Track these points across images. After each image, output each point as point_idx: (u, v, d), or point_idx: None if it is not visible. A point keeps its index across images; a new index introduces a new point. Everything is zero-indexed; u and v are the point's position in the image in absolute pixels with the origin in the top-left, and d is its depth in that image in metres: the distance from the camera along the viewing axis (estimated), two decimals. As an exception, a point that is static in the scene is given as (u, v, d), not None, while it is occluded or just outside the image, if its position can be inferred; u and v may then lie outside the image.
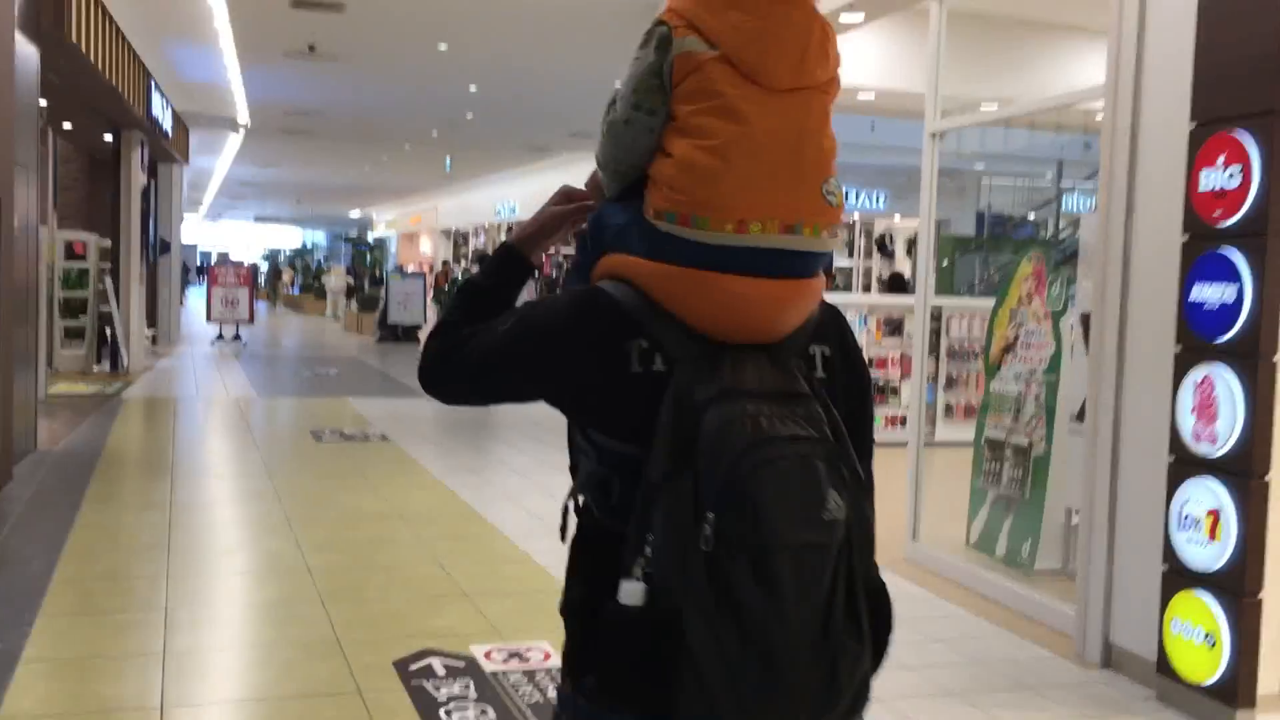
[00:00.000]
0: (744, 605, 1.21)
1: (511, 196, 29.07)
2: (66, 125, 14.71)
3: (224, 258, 39.47)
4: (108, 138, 14.81)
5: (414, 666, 4.09)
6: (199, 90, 16.22)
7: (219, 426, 10.26)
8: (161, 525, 6.11)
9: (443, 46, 12.00)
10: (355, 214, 46.81)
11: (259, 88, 15.32)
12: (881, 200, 22.93)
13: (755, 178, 1.30)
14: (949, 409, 10.18)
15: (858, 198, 21.61)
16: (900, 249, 24.61)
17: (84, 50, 9.11)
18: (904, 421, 10.07)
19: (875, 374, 10.04)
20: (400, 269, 29.69)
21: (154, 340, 18.45)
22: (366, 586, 5.14)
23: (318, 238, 58.30)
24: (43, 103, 12.45)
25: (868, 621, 1.31)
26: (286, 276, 41.82)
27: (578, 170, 24.19)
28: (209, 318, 20.37)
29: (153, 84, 13.66)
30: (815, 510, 1.23)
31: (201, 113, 18.16)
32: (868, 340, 9.97)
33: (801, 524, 1.22)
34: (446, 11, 10.80)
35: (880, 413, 10.07)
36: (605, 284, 1.38)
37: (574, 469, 1.45)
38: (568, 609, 1.41)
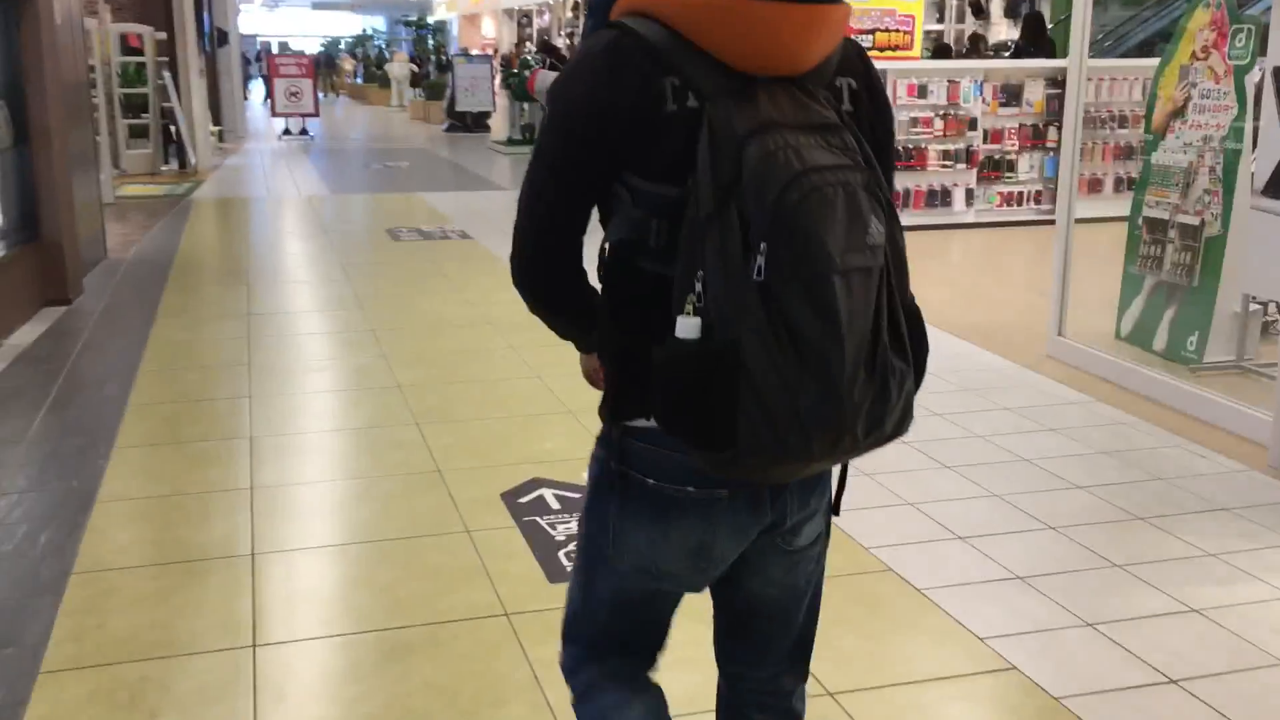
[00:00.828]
0: (800, 330, 1.24)
1: (577, -31, 27.48)
2: (106, -92, 13.80)
3: (284, 47, 38.46)
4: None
5: (523, 499, 3.68)
6: None
7: (293, 227, 9.82)
8: (240, 339, 5.72)
9: None
10: (414, -4, 45.11)
11: None
12: (978, -45, 21.14)
13: None
14: (1071, 183, 9.32)
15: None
16: (997, 8, 22.87)
17: None
18: (1021, 199, 9.31)
19: (991, 147, 9.18)
20: (465, 52, 28.53)
21: (220, 137, 17.94)
22: (462, 405, 4.71)
23: (377, 23, 56.62)
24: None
25: (908, 341, 1.36)
26: (349, 65, 40.81)
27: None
28: (273, 112, 19.74)
29: None
30: (860, 235, 1.26)
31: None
32: (983, 110, 9.06)
33: (850, 248, 1.25)
34: None
35: (995, 189, 9.28)
36: (629, 20, 1.35)
37: (605, 221, 1.43)
38: (610, 357, 1.46)
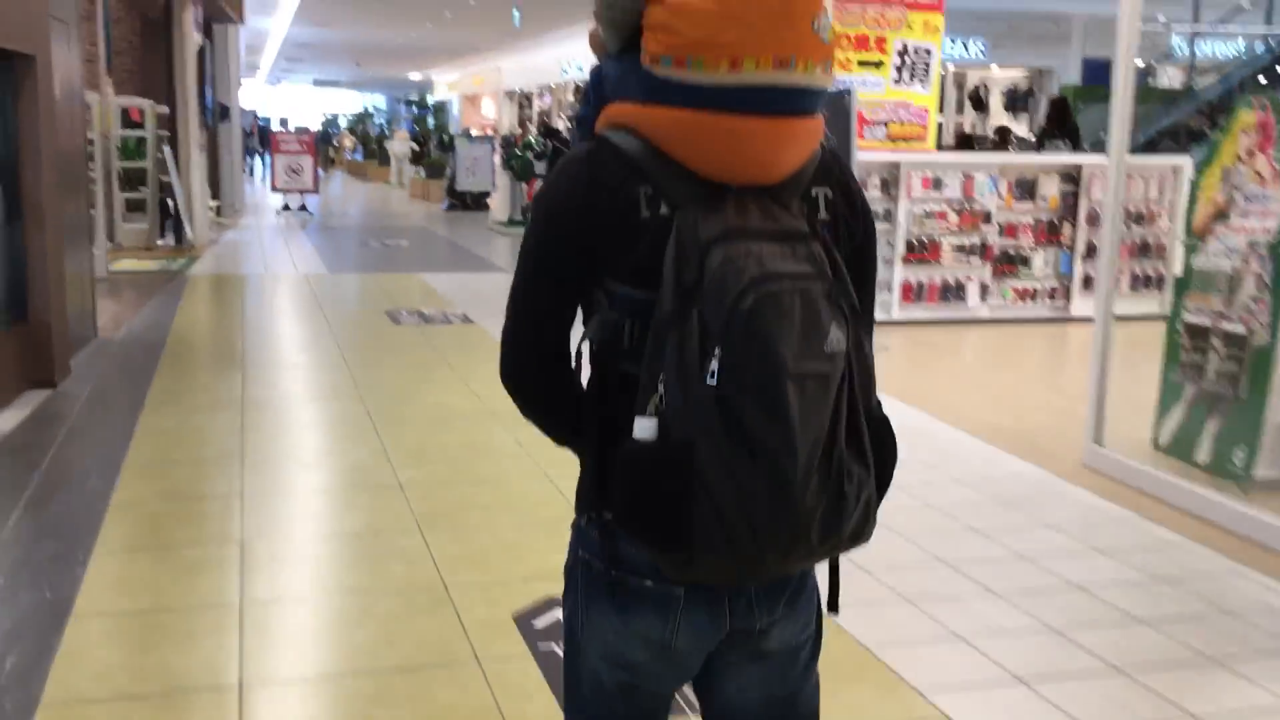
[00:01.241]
0: (753, 434, 1.26)
1: (578, 56, 27.70)
2: (114, -18, 13.78)
3: (283, 123, 38.64)
4: (158, -4, 13.89)
5: (539, 623, 3.36)
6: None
7: (290, 307, 9.58)
8: (233, 429, 5.43)
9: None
10: (415, 76, 45.53)
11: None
12: (979, 49, 21.36)
13: (747, 15, 1.30)
14: (1088, 280, 9.15)
15: (951, 46, 20.07)
16: (996, 102, 23.01)
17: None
18: (1035, 295, 9.12)
19: (1006, 242, 9.02)
20: (467, 133, 28.63)
21: (218, 211, 17.81)
22: (469, 509, 4.41)
23: (377, 101, 57.14)
24: (86, -44, 11.57)
25: (871, 449, 1.37)
26: (348, 142, 41.03)
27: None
28: (273, 187, 19.64)
29: (202, -66, 12.65)
30: (818, 342, 1.28)
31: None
32: (998, 205, 8.92)
33: (805, 354, 1.27)
34: None
35: (1009, 284, 9.08)
36: (609, 133, 1.41)
37: (587, 320, 1.47)
38: (584, 450, 1.48)
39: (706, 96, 1.32)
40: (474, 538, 4.09)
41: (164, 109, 13.89)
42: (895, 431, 1.44)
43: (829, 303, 1.31)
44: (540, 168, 15.29)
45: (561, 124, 27.31)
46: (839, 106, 7.60)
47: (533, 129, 27.11)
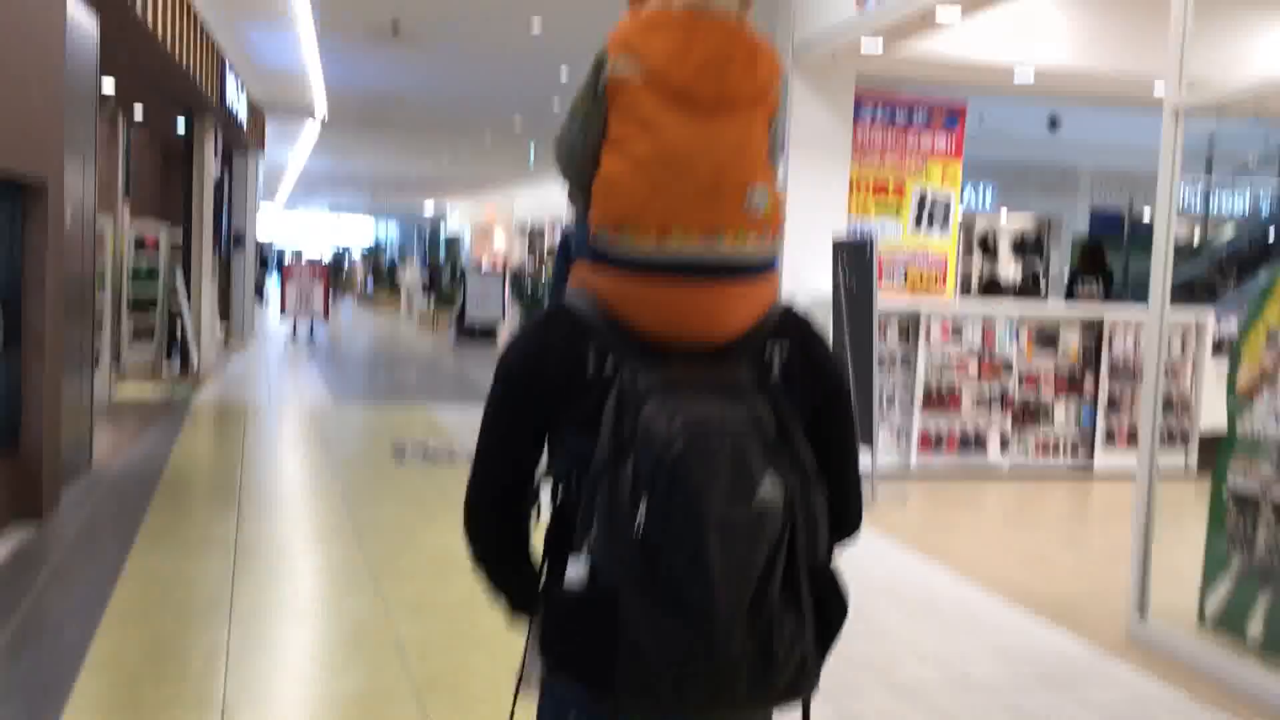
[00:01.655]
0: (675, 582, 1.29)
1: (591, 190, 28.05)
2: (138, 110, 13.96)
3: (297, 256, 39.04)
4: (180, 125, 14.05)
5: (547, 815, 3.03)
6: (275, 77, 15.42)
7: (292, 440, 9.35)
8: (224, 575, 5.14)
9: (536, 27, 10.99)
10: (429, 206, 46.24)
11: (338, 73, 14.46)
12: (988, 196, 21.57)
13: (672, 190, 1.39)
14: (1110, 434, 8.92)
15: (961, 193, 20.31)
16: (1005, 248, 23.08)
17: (150, 25, 8.23)
18: (1056, 448, 8.87)
19: (1025, 393, 8.81)
20: (479, 267, 28.83)
21: (227, 337, 17.74)
22: (472, 673, 4.10)
23: (391, 229, 57.97)
24: (110, 84, 11.72)
25: (810, 603, 1.37)
26: (360, 272, 41.40)
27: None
28: (282, 308, 19.63)
29: (227, 67, 12.84)
30: (745, 494, 1.30)
31: (278, 101, 17.40)
32: (1017, 354, 8.75)
33: (729, 506, 1.28)
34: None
35: (1029, 435, 8.84)
36: (570, 294, 1.50)
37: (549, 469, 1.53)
38: (542, 593, 1.51)
39: (639, 264, 1.41)
40: (476, 709, 3.78)
41: (178, 235, 13.92)
42: (844, 589, 1.46)
43: (764, 457, 1.32)
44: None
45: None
46: (859, 252, 7.49)
47: (546, 266, 27.29)
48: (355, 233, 57.13)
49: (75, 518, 6.08)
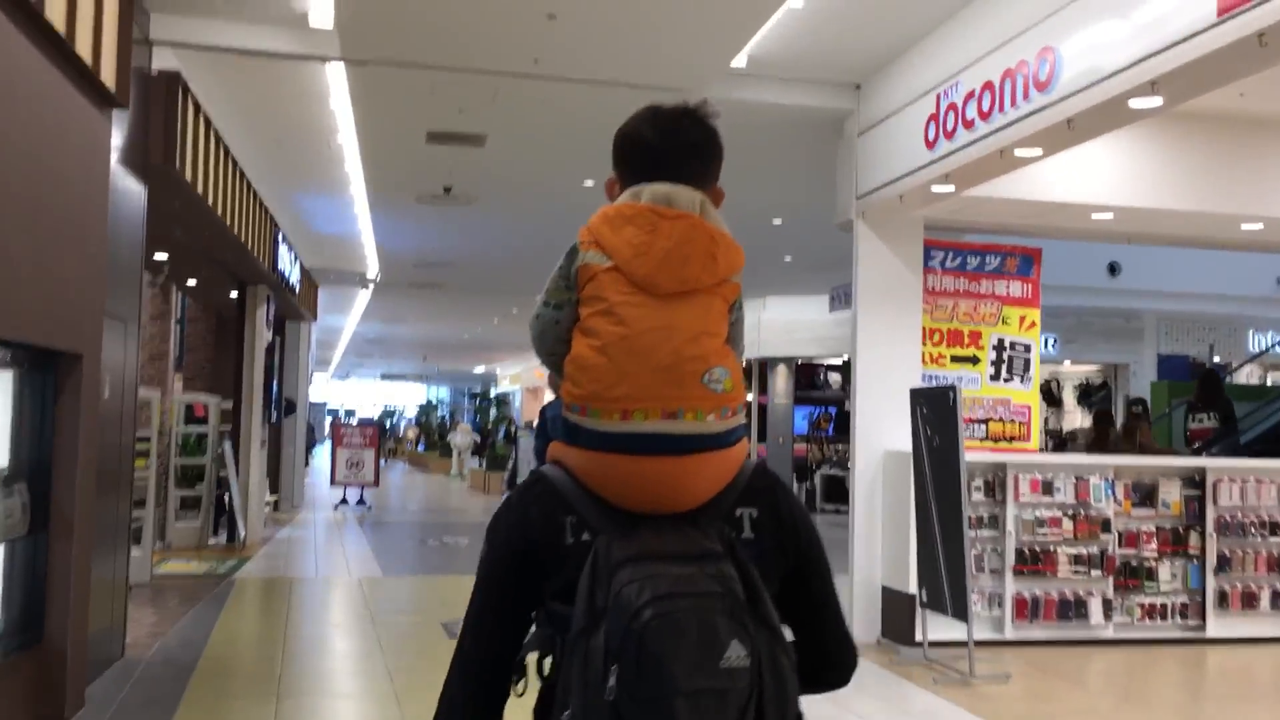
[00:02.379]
0: None
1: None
2: (191, 282, 13.96)
3: (349, 414, 39.11)
4: (233, 295, 14.03)
5: None
6: (328, 244, 15.47)
7: (339, 618, 8.82)
8: (257, 785, 4.58)
9: (589, 182, 10.85)
10: (479, 369, 46.42)
11: (389, 238, 14.46)
12: (1052, 345, 21.04)
13: (635, 372, 1.49)
14: (1223, 596, 8.18)
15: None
16: (1070, 397, 22.41)
17: (204, 195, 8.10)
18: (1165, 612, 8.13)
19: (1126, 552, 8.12)
20: (530, 425, 28.53)
21: (276, 506, 17.39)
22: None
23: (442, 394, 58.27)
24: (163, 256, 11.69)
25: None
26: (411, 434, 41.37)
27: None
28: (333, 480, 19.31)
29: (280, 235, 12.82)
30: (713, 659, 1.35)
31: (330, 268, 17.46)
32: (1114, 510, 8.10)
33: (697, 672, 1.34)
34: (594, 142, 9.64)
35: (1134, 600, 8.11)
36: (547, 468, 1.59)
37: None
38: None
39: (606, 441, 1.49)
40: None
41: (228, 404, 13.73)
42: None
43: (731, 620, 1.37)
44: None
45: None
46: (941, 402, 7.00)
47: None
48: (406, 397, 57.48)
49: (101, 716, 5.56)
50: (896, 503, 7.81)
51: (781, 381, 21.16)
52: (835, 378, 22.75)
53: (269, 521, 15.57)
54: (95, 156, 5.66)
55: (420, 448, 38.12)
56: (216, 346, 18.13)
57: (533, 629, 1.58)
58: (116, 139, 6.31)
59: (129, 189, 6.72)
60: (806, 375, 21.93)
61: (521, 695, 1.57)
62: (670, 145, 1.69)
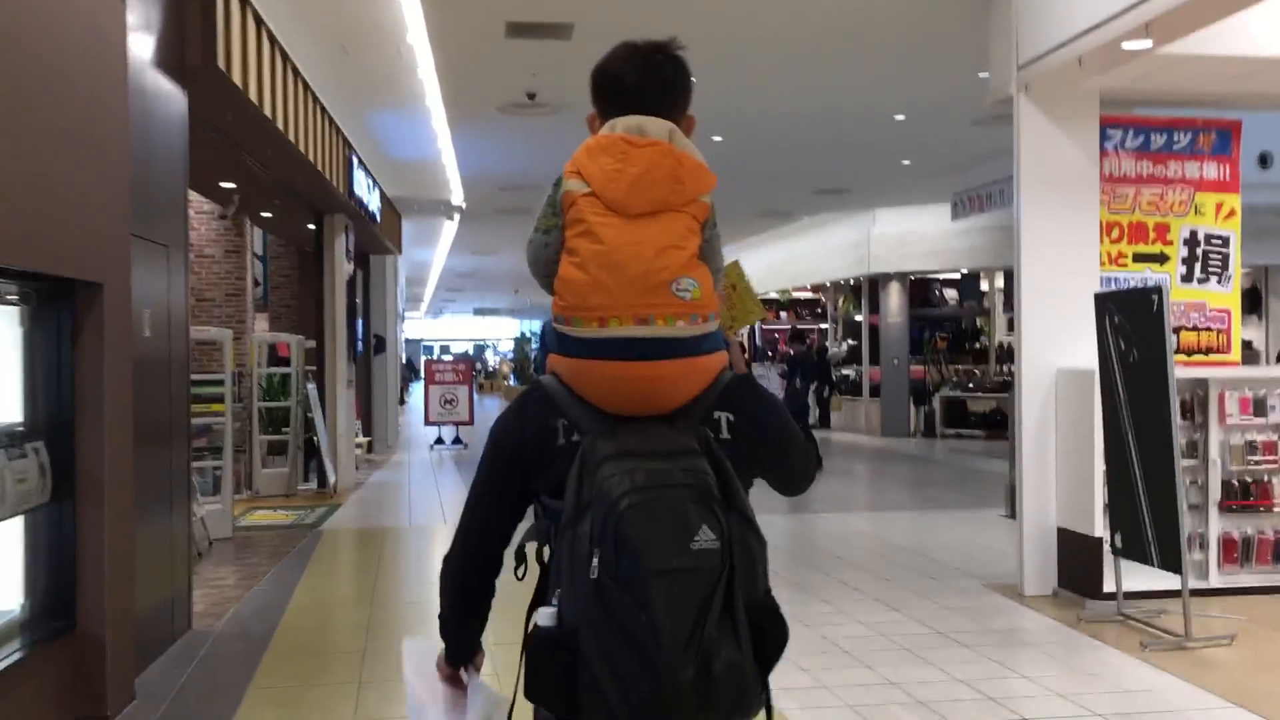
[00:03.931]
0: (623, 621, 1.52)
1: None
2: (266, 214, 13.11)
3: (443, 351, 38.64)
4: (311, 227, 13.17)
5: None
6: (408, 170, 14.50)
7: (431, 576, 7.93)
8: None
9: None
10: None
11: (471, 158, 13.42)
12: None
13: (610, 284, 1.66)
14: None
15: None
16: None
17: (255, 100, 7.11)
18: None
19: (1354, 480, 6.77)
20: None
21: (369, 448, 16.72)
22: None
23: (535, 327, 57.72)
24: (230, 185, 10.81)
25: (747, 631, 1.60)
26: (505, 368, 40.84)
27: (817, 237, 21.31)
28: (426, 420, 18.59)
29: (354, 159, 11.85)
30: (683, 542, 1.53)
31: (413, 197, 16.52)
32: (1338, 431, 6.74)
33: (669, 553, 1.52)
34: (695, 28, 8.40)
35: (1363, 537, 6.76)
36: (544, 377, 1.79)
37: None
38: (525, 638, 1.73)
39: (587, 347, 1.68)
40: None
41: (311, 343, 12.93)
42: (782, 618, 1.68)
43: (700, 507, 1.56)
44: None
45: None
46: (1140, 307, 5.74)
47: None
48: (500, 331, 57.07)
49: (153, 710, 4.70)
50: (1075, 430, 6.58)
51: (895, 299, 19.76)
52: (951, 294, 21.25)
53: (361, 464, 14.87)
54: (108, 51, 4.64)
55: (514, 381, 37.52)
56: (300, 283, 17.38)
57: (531, 521, 1.81)
58: (140, 31, 5.31)
59: (163, 93, 5.73)
60: (920, 292, 20.48)
61: (522, 579, 1.77)
62: (643, 81, 1.86)
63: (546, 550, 1.73)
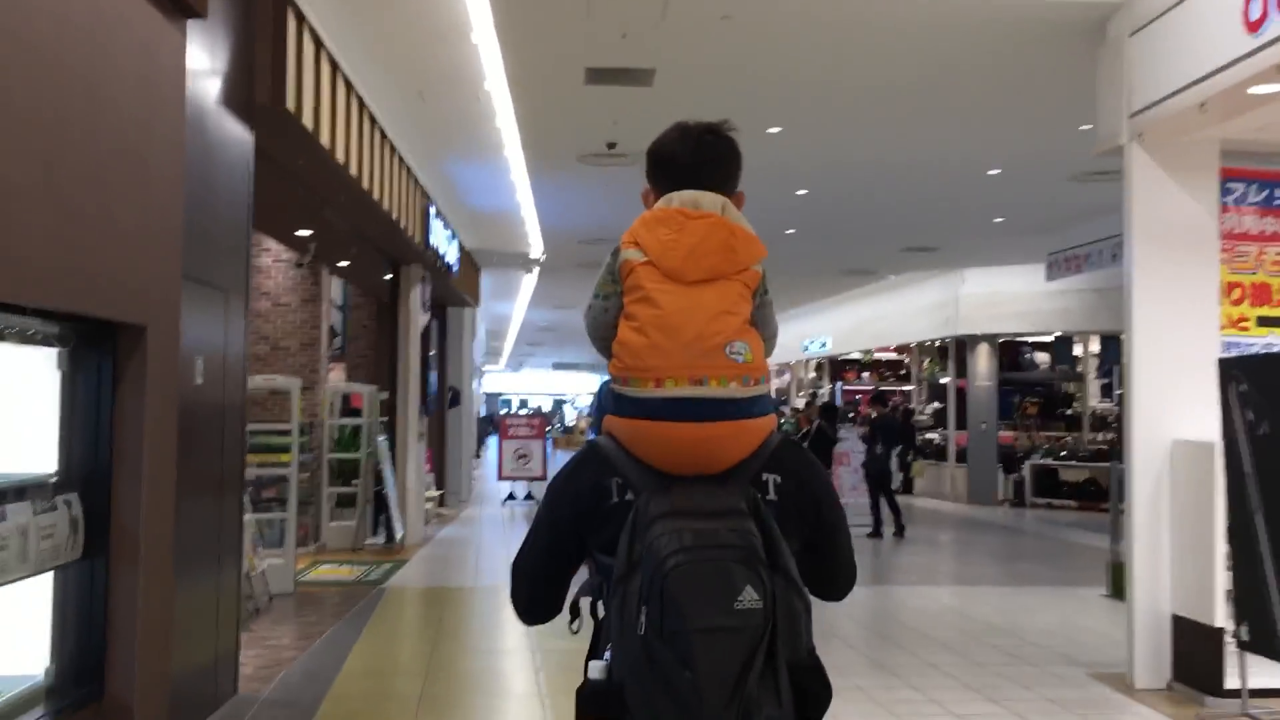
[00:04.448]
0: (669, 676, 1.57)
1: (821, 331, 26.14)
2: (342, 263, 13.01)
3: (522, 405, 38.51)
4: (388, 277, 13.05)
5: None
6: (487, 222, 14.39)
7: (494, 643, 7.56)
8: None
9: (774, 129, 9.29)
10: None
11: (551, 210, 13.24)
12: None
13: (667, 347, 1.74)
14: None
15: None
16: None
17: (327, 146, 6.92)
18: None
19: None
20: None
21: (441, 501, 16.48)
22: None
23: (614, 383, 57.54)
24: (306, 233, 10.71)
25: (789, 691, 1.64)
26: (584, 423, 40.68)
27: (902, 296, 20.72)
28: (499, 475, 18.32)
29: (432, 209, 11.71)
30: (728, 601, 1.58)
31: (492, 250, 16.41)
32: None
33: (712, 612, 1.57)
34: (781, 76, 8.07)
35: None
36: (600, 438, 1.87)
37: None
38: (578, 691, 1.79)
39: (643, 407, 1.75)
40: None
41: (385, 394, 12.75)
42: (827, 680, 1.75)
43: (745, 568, 1.60)
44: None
45: (800, 401, 25.48)
46: (1273, 375, 5.20)
47: (796, 406, 25.50)
48: (580, 386, 57.01)
49: (184, 787, 4.38)
50: (1193, 508, 6.01)
51: (983, 362, 19.09)
52: (1043, 357, 20.49)
53: (431, 519, 14.61)
54: (162, 79, 4.42)
55: (592, 435, 37.34)
56: (378, 334, 17.31)
57: (585, 577, 1.86)
58: (204, 65, 5.13)
59: (228, 132, 5.54)
60: (1009, 355, 19.77)
61: (576, 633, 1.83)
62: (697, 160, 1.96)
63: (600, 605, 1.80)
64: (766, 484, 1.80)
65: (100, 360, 4.18)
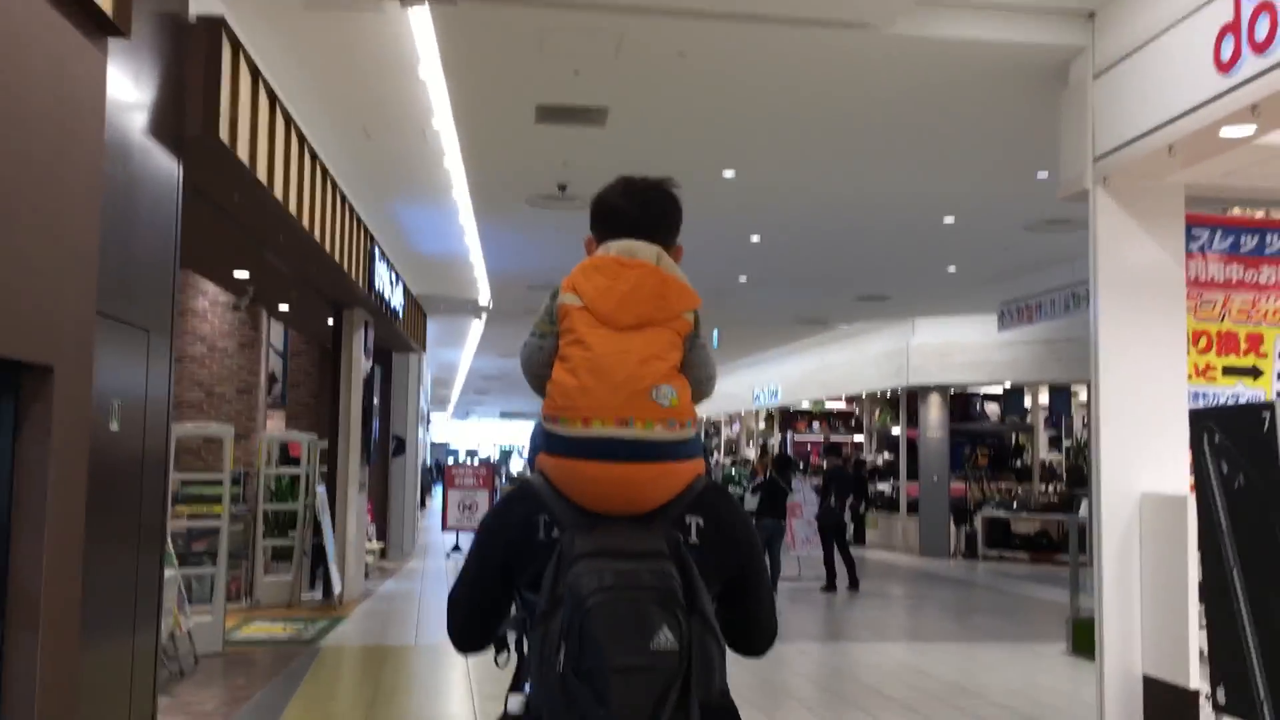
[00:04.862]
0: (584, 713, 1.62)
1: (772, 379, 25.99)
2: (283, 306, 12.62)
3: (469, 456, 37.95)
4: (330, 321, 12.66)
5: None
6: (434, 267, 14.05)
7: (435, 703, 7.15)
8: None
9: (729, 173, 9.10)
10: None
11: (499, 254, 12.95)
12: None
13: (596, 389, 1.81)
14: None
15: None
16: None
17: (264, 181, 6.59)
18: None
19: None
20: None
21: (383, 553, 15.97)
22: None
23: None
24: (244, 274, 10.33)
25: None
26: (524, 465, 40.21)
27: (853, 346, 20.66)
28: (444, 525, 17.84)
29: (375, 251, 11.37)
30: (644, 641, 1.63)
31: (439, 295, 16.06)
32: None
33: (628, 651, 1.62)
34: (739, 117, 7.88)
35: None
36: (531, 475, 1.94)
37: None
38: None
39: (571, 446, 1.81)
40: None
41: (324, 443, 12.31)
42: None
43: (662, 610, 1.65)
44: (750, 501, 12.92)
45: (752, 451, 25.25)
46: (1249, 430, 5.00)
47: (748, 455, 25.24)
48: (527, 435, 56.51)
49: None
50: (1165, 564, 5.79)
51: (934, 412, 19.00)
52: (993, 408, 20.46)
53: (373, 572, 14.12)
54: (80, 101, 4.10)
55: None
56: (320, 381, 16.85)
57: (513, 611, 1.93)
58: (127, 90, 4.80)
59: (154, 161, 5.19)
60: (960, 406, 19.71)
61: (502, 667, 1.92)
62: (639, 214, 2.04)
63: (520, 640, 1.89)
64: (689, 526, 1.84)
65: (0, 403, 3.80)
